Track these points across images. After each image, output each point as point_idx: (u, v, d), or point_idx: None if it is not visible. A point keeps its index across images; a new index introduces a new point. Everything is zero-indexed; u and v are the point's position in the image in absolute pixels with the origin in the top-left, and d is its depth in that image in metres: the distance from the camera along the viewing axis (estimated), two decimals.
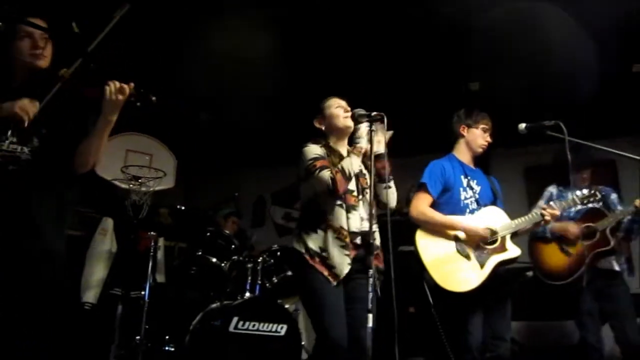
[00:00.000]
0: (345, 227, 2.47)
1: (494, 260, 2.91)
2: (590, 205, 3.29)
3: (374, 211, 2.45)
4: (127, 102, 2.12)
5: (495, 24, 3.96)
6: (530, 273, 3.57)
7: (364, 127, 2.51)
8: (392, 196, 2.62)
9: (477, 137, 3.18)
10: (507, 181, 4.73)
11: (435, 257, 2.91)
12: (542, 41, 4.18)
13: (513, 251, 2.97)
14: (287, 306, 3.94)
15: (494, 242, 2.96)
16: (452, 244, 2.95)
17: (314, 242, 2.48)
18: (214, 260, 4.11)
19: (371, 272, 2.17)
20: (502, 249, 2.95)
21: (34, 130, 2.06)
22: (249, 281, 3.96)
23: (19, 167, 2.04)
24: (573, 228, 3.41)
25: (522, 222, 3.02)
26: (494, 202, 3.13)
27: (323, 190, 2.47)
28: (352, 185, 2.57)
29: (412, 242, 3.01)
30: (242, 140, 6.26)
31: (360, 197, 2.58)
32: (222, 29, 4.15)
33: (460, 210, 3.02)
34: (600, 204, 3.35)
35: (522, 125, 3.06)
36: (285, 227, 7.11)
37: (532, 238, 3.58)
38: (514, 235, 3.05)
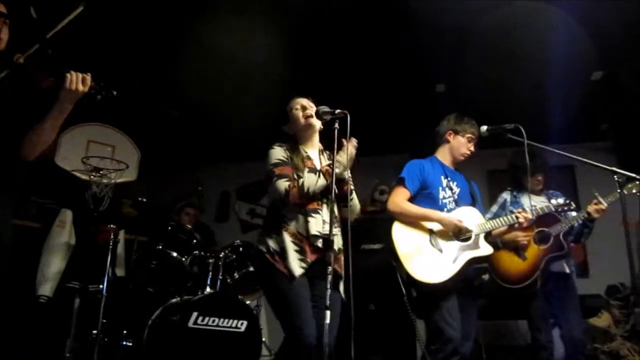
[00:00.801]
0: (303, 232, 2.48)
1: (466, 256, 2.97)
2: (564, 213, 3.40)
3: (334, 218, 2.43)
4: (87, 95, 2.07)
5: (463, 26, 4.03)
6: (486, 276, 3.64)
7: (343, 155, 2.49)
8: (354, 209, 2.65)
9: (462, 145, 3.22)
10: None
11: (408, 248, 2.95)
12: (507, 45, 4.27)
13: (485, 249, 3.04)
14: (248, 302, 3.92)
15: (468, 239, 3.02)
16: (427, 237, 3.00)
17: (274, 243, 2.51)
18: (175, 254, 4.05)
19: (330, 269, 2.18)
20: (475, 246, 3.02)
21: None
22: (210, 276, 3.94)
23: None
24: (522, 235, 3.41)
25: (497, 223, 3.09)
26: (472, 205, 3.18)
27: (276, 198, 2.51)
28: None
29: (380, 238, 3.02)
30: (207, 136, 6.22)
31: (325, 200, 2.58)
32: (192, 27, 4.13)
33: (438, 208, 3.07)
34: (574, 213, 3.44)
35: (484, 128, 3.14)
36: (250, 223, 7.09)
37: None
38: (488, 236, 3.13)
